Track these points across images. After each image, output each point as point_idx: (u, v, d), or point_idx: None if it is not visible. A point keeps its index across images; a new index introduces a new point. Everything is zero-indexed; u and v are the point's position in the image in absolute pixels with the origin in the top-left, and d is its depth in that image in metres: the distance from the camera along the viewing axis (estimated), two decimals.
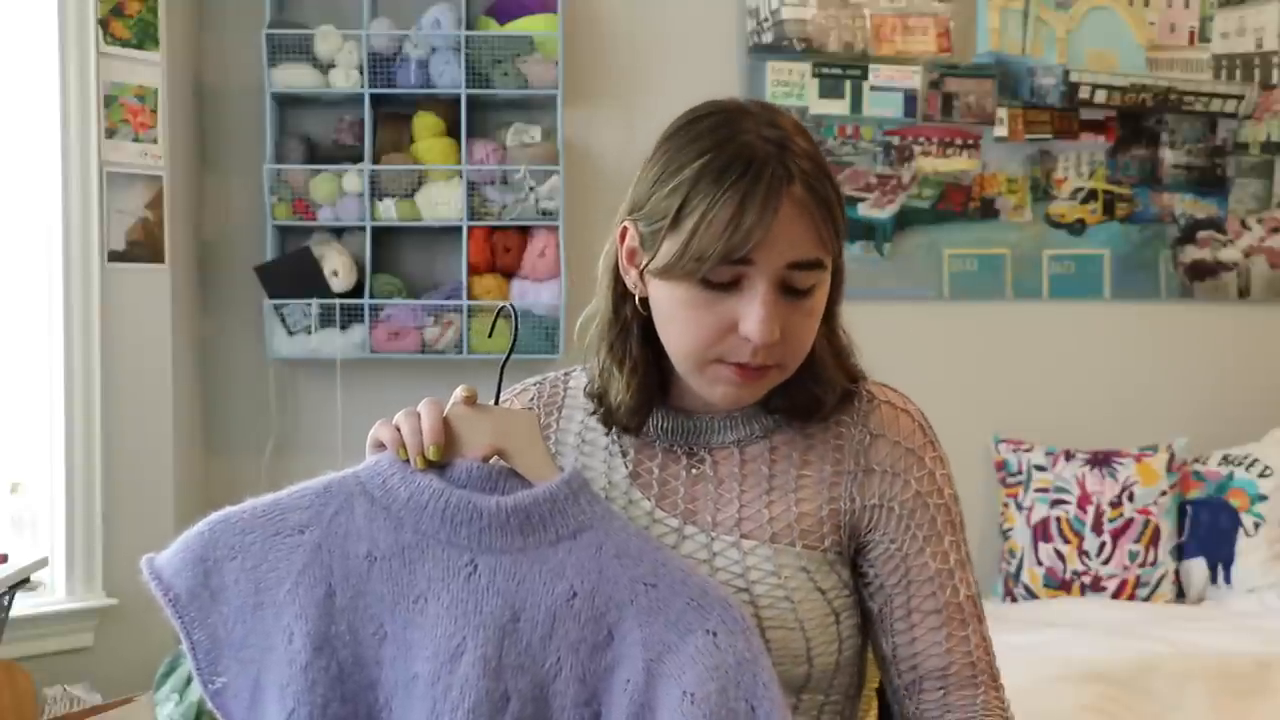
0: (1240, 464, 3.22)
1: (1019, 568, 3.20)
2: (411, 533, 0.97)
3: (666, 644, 0.93)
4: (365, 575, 0.96)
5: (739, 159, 1.00)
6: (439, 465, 1.01)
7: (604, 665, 0.94)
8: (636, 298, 1.08)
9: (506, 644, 0.94)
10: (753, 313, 1.00)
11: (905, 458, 1.10)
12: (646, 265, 1.04)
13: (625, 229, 1.08)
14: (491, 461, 1.01)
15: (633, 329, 1.09)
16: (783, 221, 0.99)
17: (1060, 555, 3.17)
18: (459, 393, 1.03)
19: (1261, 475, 3.18)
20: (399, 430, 1.02)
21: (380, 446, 1.04)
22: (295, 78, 3.16)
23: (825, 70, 3.40)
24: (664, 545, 0.98)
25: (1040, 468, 3.24)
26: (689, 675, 0.92)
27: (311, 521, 0.97)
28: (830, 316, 1.11)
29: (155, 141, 2.96)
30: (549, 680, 0.93)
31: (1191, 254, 3.50)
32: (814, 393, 1.09)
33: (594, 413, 1.13)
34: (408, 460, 1.00)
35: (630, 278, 1.08)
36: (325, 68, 3.18)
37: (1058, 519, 3.19)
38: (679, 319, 1.03)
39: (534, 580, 0.95)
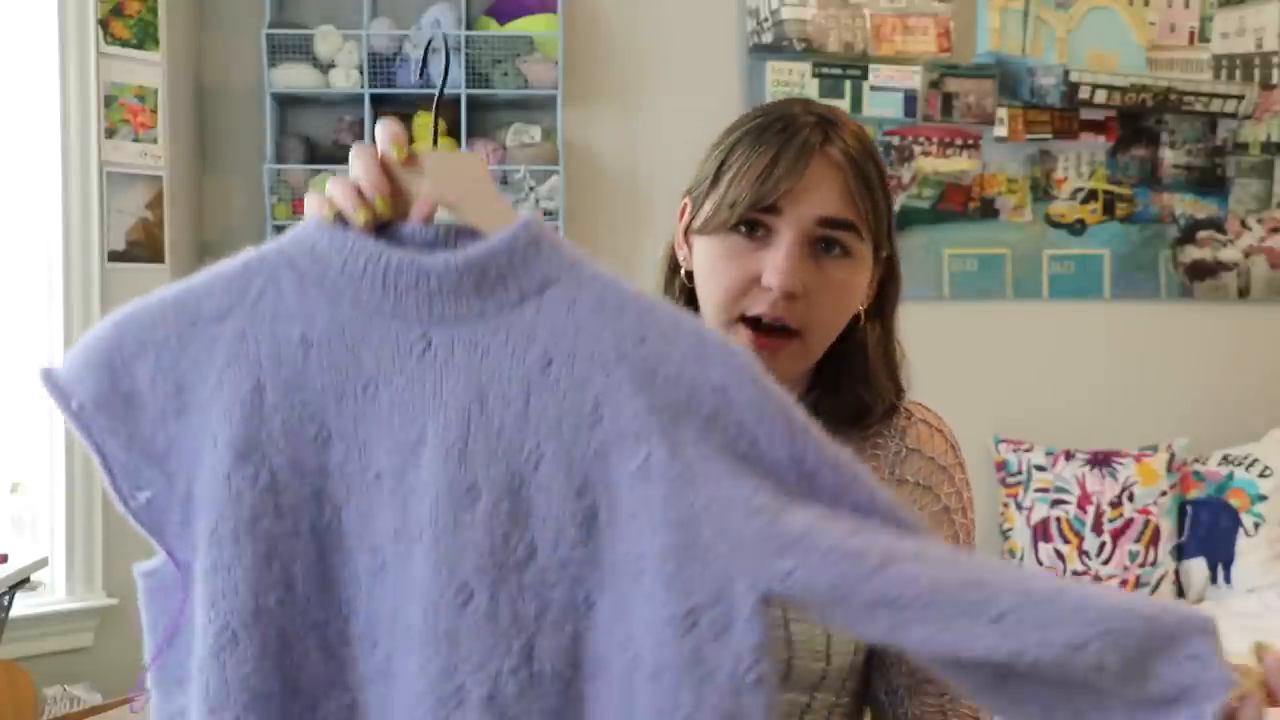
0: (1240, 464, 3.23)
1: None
2: (351, 307, 0.80)
3: (674, 406, 0.77)
4: (300, 365, 0.79)
5: (779, 121, 1.06)
6: (381, 225, 0.84)
7: (594, 447, 0.77)
8: (683, 270, 1.12)
9: (473, 428, 0.78)
10: (776, 259, 1.02)
11: (937, 474, 1.12)
12: (690, 227, 1.10)
13: (683, 206, 1.13)
14: (437, 218, 0.86)
15: (679, 302, 1.12)
16: (814, 174, 1.03)
17: (1060, 555, 3.17)
18: (383, 137, 0.86)
19: (1261, 475, 3.18)
20: (330, 193, 0.85)
21: None
22: (295, 78, 3.16)
23: (825, 70, 3.40)
24: (646, 293, 0.81)
25: (1040, 468, 3.24)
26: (709, 440, 0.76)
27: (232, 306, 0.81)
28: (888, 322, 1.14)
29: (155, 141, 2.96)
30: (528, 470, 0.77)
31: (1191, 254, 3.50)
32: (864, 399, 1.11)
33: None
34: (342, 225, 0.83)
35: (682, 252, 1.13)
36: (325, 68, 3.19)
37: (1058, 519, 3.19)
38: (712, 272, 1.06)
39: (499, 350, 0.79)
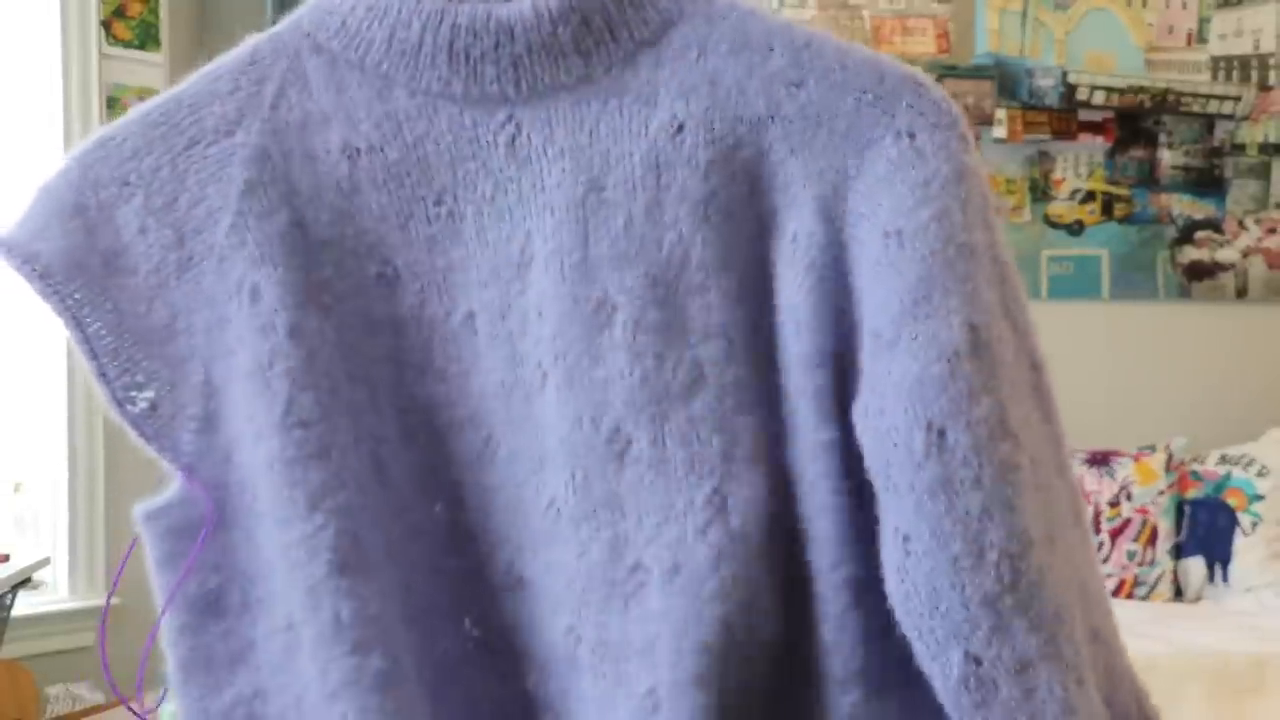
0: (1238, 464, 3.24)
1: None
2: (406, 94, 0.60)
3: (841, 167, 0.59)
4: (347, 183, 0.59)
5: None
6: None
7: (753, 227, 0.59)
8: None
9: (592, 227, 0.58)
10: None
11: None
12: None
13: None
14: None
15: None
16: None
17: None
18: None
19: (1259, 475, 3.19)
20: None
21: None
22: None
23: None
24: (798, 24, 0.62)
25: None
26: (886, 205, 0.58)
27: (243, 113, 0.60)
28: None
29: None
30: (673, 270, 0.58)
31: (1189, 254, 3.51)
32: None
33: None
34: None
35: None
36: None
37: None
38: None
39: (613, 123, 0.59)
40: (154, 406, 0.59)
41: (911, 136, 0.59)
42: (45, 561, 2.65)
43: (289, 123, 0.60)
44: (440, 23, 0.59)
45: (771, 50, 0.60)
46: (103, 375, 0.59)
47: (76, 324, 0.59)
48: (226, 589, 0.58)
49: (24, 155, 2.84)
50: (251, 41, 0.62)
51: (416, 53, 0.59)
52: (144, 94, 2.94)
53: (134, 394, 0.59)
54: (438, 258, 0.60)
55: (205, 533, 0.58)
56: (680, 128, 0.59)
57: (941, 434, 0.55)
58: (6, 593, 2.43)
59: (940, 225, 0.57)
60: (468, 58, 0.59)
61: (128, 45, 2.91)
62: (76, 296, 0.58)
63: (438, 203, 0.60)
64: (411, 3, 0.60)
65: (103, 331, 0.59)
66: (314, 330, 0.58)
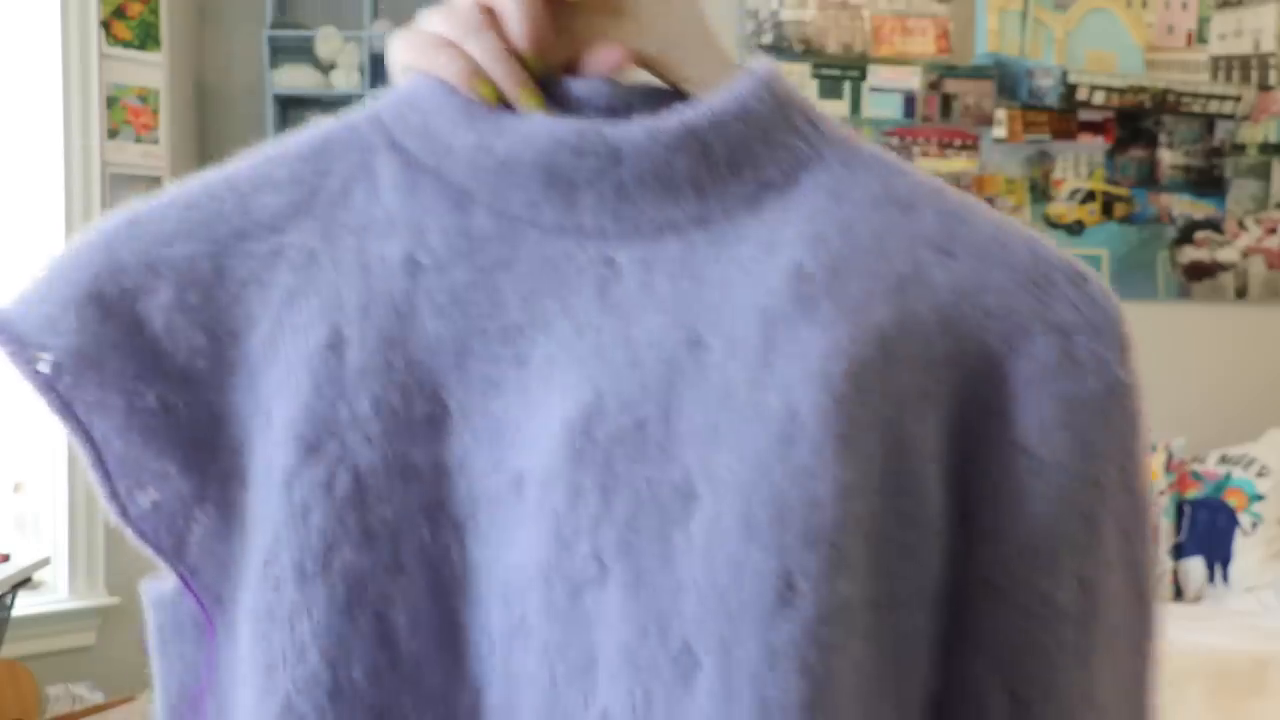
0: (1238, 464, 3.24)
1: None
2: (488, 214, 0.50)
3: (985, 353, 0.50)
4: (404, 304, 0.50)
5: None
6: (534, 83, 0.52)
7: (879, 403, 0.48)
8: None
9: (681, 390, 0.48)
10: None
11: None
12: None
13: None
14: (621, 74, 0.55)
15: None
16: None
17: None
18: None
19: (1259, 475, 3.19)
20: (448, 38, 0.53)
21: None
22: (297, 79, 3.17)
23: (824, 71, 3.41)
24: (949, 185, 0.54)
25: None
26: (1024, 414, 0.50)
27: (298, 208, 0.51)
28: None
29: (157, 143, 2.97)
30: (775, 450, 0.47)
31: (1189, 254, 3.52)
32: None
33: None
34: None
35: None
36: (327, 69, 3.19)
37: None
38: None
39: (725, 271, 0.50)
40: (156, 509, 0.52)
41: (1066, 336, 0.50)
42: (45, 561, 2.65)
43: (347, 226, 0.51)
44: (539, 135, 0.50)
45: (918, 210, 0.51)
46: (105, 477, 0.51)
47: (82, 429, 0.51)
48: (204, 698, 0.53)
49: (25, 156, 2.84)
50: (323, 126, 0.54)
51: (506, 167, 0.50)
52: (144, 94, 2.94)
53: (135, 494, 0.52)
54: (493, 403, 0.49)
55: (212, 646, 0.52)
56: (803, 276, 0.49)
57: (1026, 706, 0.50)
58: (7, 593, 2.43)
59: (1075, 458, 0.50)
60: (565, 180, 0.50)
61: (127, 45, 2.92)
62: (88, 397, 0.50)
63: (504, 341, 0.49)
64: (508, 113, 0.51)
65: (110, 434, 0.50)
66: (320, 479, 0.49)
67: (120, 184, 2.91)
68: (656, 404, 0.48)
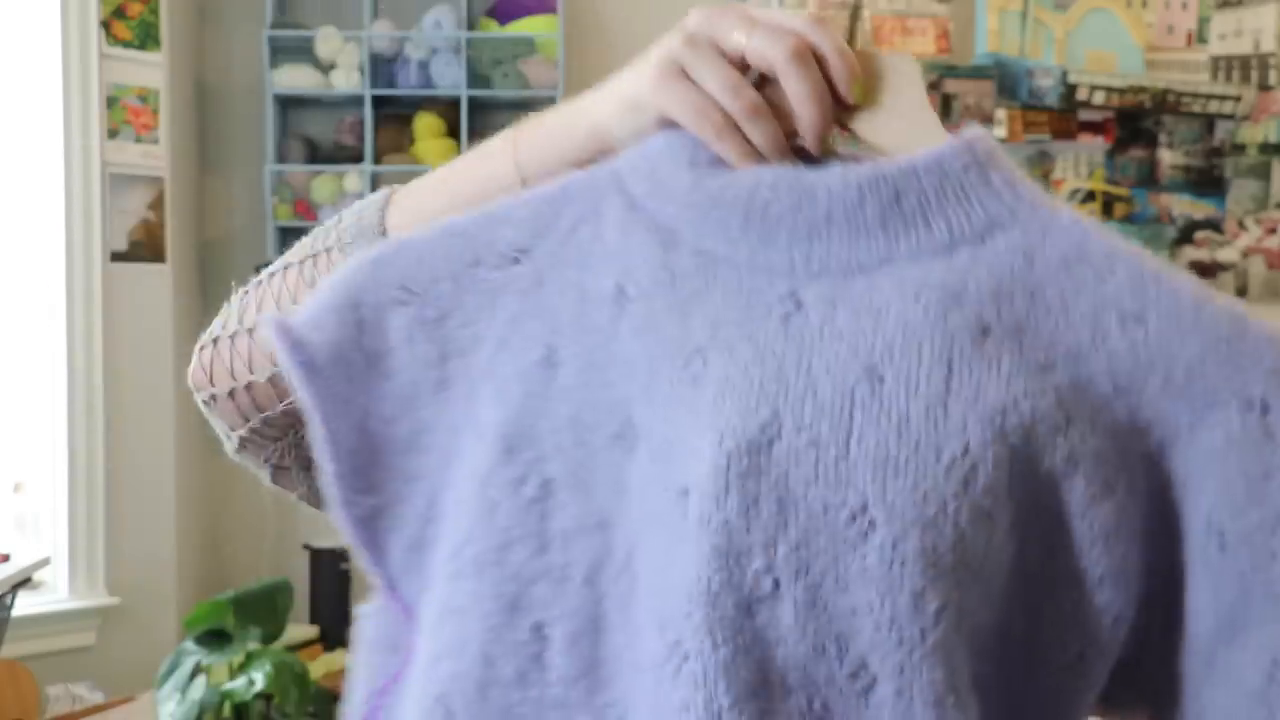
0: None
1: None
2: (690, 251, 0.54)
3: (1173, 423, 0.50)
4: (609, 328, 0.54)
5: None
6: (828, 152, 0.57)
7: (1053, 463, 0.49)
8: None
9: (859, 420, 0.49)
10: None
11: None
12: None
13: None
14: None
15: None
16: None
17: None
18: (827, 33, 0.57)
19: None
20: (727, 113, 0.56)
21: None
22: (296, 79, 3.17)
23: None
24: (1148, 253, 0.54)
25: None
26: (1213, 488, 0.50)
27: (534, 241, 0.56)
28: None
29: (157, 142, 2.97)
30: (951, 486, 0.48)
31: (1189, 255, 3.51)
32: None
33: None
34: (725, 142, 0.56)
35: None
36: (326, 69, 3.19)
37: None
38: None
39: (907, 308, 0.51)
40: (375, 515, 0.56)
41: (1265, 410, 0.49)
42: (45, 561, 2.65)
43: (572, 259, 0.56)
44: (745, 177, 0.54)
45: (1113, 273, 0.51)
46: (339, 471, 0.56)
47: (325, 418, 0.56)
48: (381, 708, 0.57)
49: (25, 156, 2.84)
50: (567, 176, 0.59)
51: (713, 205, 0.54)
52: (143, 94, 2.94)
53: (358, 497, 0.56)
54: (669, 421, 0.51)
55: (407, 659, 0.55)
56: (986, 330, 0.50)
57: None
58: (7, 593, 2.43)
59: (1268, 537, 0.49)
60: (764, 217, 0.53)
61: (128, 45, 2.91)
62: (332, 390, 0.55)
63: (685, 363, 0.52)
64: (732, 172, 0.55)
65: (346, 431, 0.56)
66: (512, 479, 0.53)
67: (120, 184, 2.91)
68: (833, 429, 0.49)
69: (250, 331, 0.67)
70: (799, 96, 0.55)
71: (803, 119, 0.55)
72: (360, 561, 0.56)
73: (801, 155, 0.57)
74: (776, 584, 0.48)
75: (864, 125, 0.57)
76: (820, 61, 0.55)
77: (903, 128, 0.57)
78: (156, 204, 2.98)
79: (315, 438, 0.56)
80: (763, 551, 0.48)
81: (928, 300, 0.51)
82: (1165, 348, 0.50)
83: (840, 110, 0.56)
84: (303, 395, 0.56)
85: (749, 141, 0.55)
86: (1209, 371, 0.50)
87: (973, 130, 0.56)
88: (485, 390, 0.54)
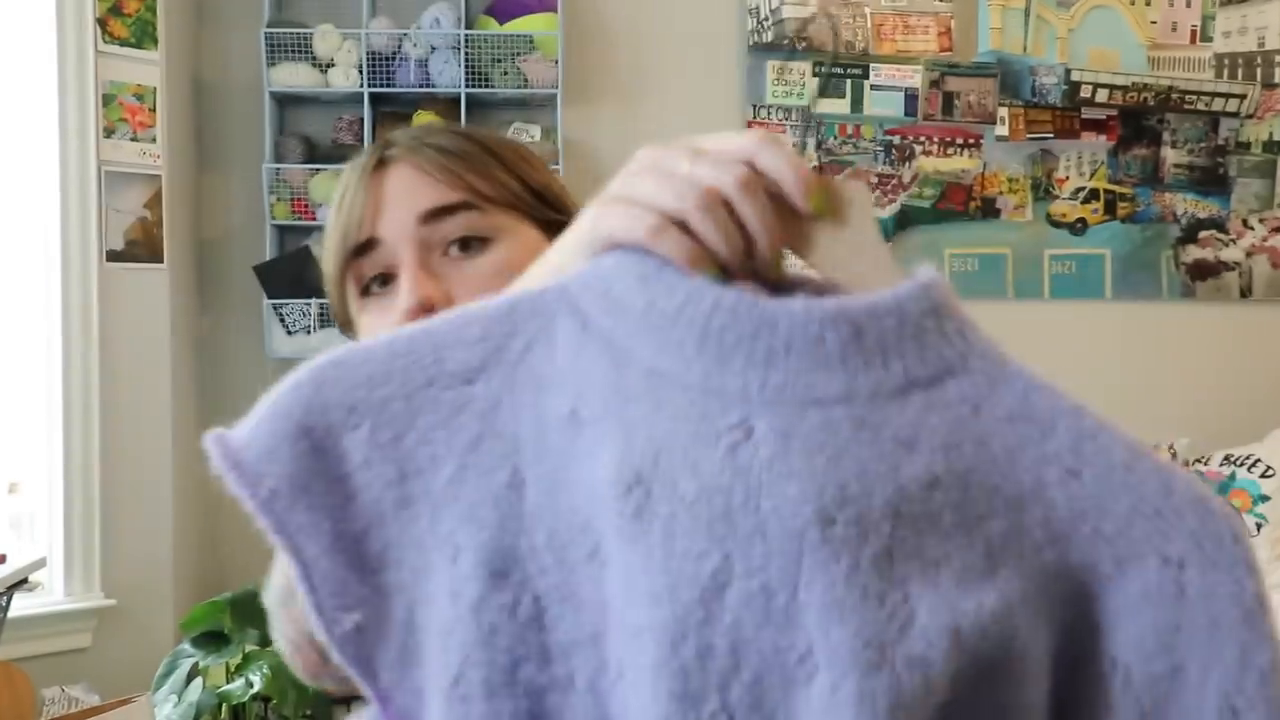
0: (1242, 464, 3.22)
1: None
2: (641, 372, 0.55)
3: (1093, 574, 0.54)
4: (568, 449, 0.55)
5: (345, 173, 0.96)
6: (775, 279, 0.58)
7: (985, 612, 0.52)
8: None
9: (808, 565, 0.51)
10: (401, 283, 0.89)
11: None
12: (345, 319, 0.97)
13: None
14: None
15: None
16: (389, 187, 0.91)
17: None
18: (792, 168, 0.57)
19: (1264, 476, 3.17)
20: (670, 216, 0.57)
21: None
22: (294, 77, 3.15)
23: (825, 69, 3.40)
24: (1088, 407, 0.57)
25: None
26: (1124, 633, 0.54)
27: (486, 363, 0.57)
28: None
29: (154, 141, 2.95)
30: (893, 633, 0.51)
31: (1193, 254, 3.50)
32: None
33: None
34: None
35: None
36: (324, 67, 3.18)
37: None
38: None
39: (861, 454, 0.52)
40: (359, 630, 0.56)
41: (1180, 568, 0.53)
42: (41, 563, 2.64)
43: (527, 381, 0.57)
44: (704, 296, 0.54)
45: (1054, 430, 0.55)
46: (315, 596, 0.56)
47: (295, 549, 0.56)
48: None
49: (21, 154, 2.83)
50: (516, 295, 0.59)
51: (668, 325, 0.54)
52: (140, 92, 2.92)
53: (343, 614, 0.57)
54: (621, 554, 0.52)
55: None
56: (934, 482, 0.53)
57: None
58: (2, 594, 2.41)
59: (1169, 683, 0.53)
60: (720, 340, 0.53)
61: (124, 43, 2.90)
62: (298, 519, 0.56)
63: (627, 492, 0.53)
64: (683, 279, 0.55)
65: (317, 554, 0.56)
66: (507, 603, 0.54)
67: (116, 182, 2.89)
68: (782, 573, 0.51)
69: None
70: (748, 218, 0.55)
71: (755, 240, 0.55)
72: (354, 680, 0.57)
73: (756, 280, 0.57)
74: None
75: (817, 254, 0.57)
76: (772, 182, 0.55)
77: (857, 259, 0.57)
78: (153, 203, 2.97)
79: (288, 566, 0.57)
80: (717, 694, 0.50)
81: (881, 446, 0.53)
82: (1098, 502, 0.54)
83: (793, 236, 0.57)
84: (267, 527, 0.56)
85: (695, 242, 0.55)
86: (1134, 528, 0.53)
87: (927, 273, 0.56)
88: (451, 512, 0.56)
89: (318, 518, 0.56)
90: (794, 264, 0.58)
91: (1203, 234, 3.50)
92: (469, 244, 0.91)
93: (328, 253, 0.94)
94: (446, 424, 0.56)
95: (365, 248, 0.91)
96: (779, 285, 0.57)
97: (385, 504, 0.56)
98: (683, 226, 0.56)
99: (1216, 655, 0.53)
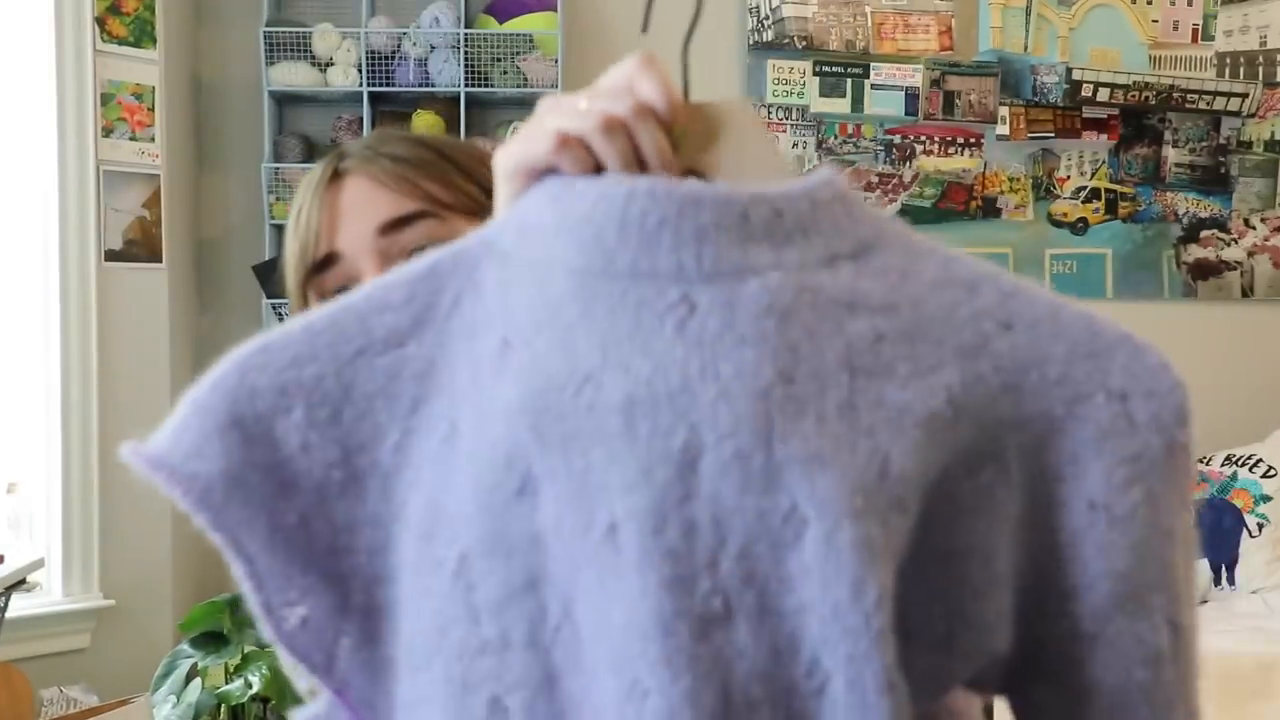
0: (1244, 464, 3.21)
1: None
2: (564, 275, 0.53)
3: (1049, 416, 0.54)
4: (494, 382, 0.53)
5: (300, 190, 0.95)
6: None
7: (949, 458, 0.52)
8: None
9: (779, 423, 0.49)
10: None
11: None
12: None
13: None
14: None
15: None
16: (344, 200, 0.90)
17: None
18: (654, 80, 0.60)
19: (1265, 476, 3.17)
20: (574, 135, 0.57)
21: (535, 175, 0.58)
22: (293, 76, 3.15)
23: (826, 68, 3.39)
24: (1004, 271, 0.58)
25: None
26: (1093, 474, 0.54)
27: (416, 324, 0.55)
28: None
29: (152, 140, 2.95)
30: (870, 478, 0.50)
31: (1195, 253, 3.49)
32: None
33: None
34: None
35: None
36: (323, 66, 3.17)
37: None
38: None
39: (805, 316, 0.52)
40: (305, 622, 0.54)
41: (1124, 399, 0.55)
42: (39, 563, 2.63)
43: (460, 332, 0.55)
44: (616, 189, 0.53)
45: (980, 290, 0.56)
46: (260, 592, 0.54)
47: (234, 544, 0.54)
48: None
49: (19, 153, 2.82)
50: (435, 254, 0.57)
51: (583, 225, 0.53)
52: (139, 91, 2.92)
53: (289, 608, 0.54)
54: (575, 458, 0.50)
55: None
56: (880, 338, 0.53)
57: None
58: (1, 594, 2.41)
59: (1149, 510, 0.54)
60: (642, 225, 0.52)
61: (122, 42, 2.89)
62: (235, 515, 0.53)
63: (577, 392, 0.50)
64: (592, 183, 0.54)
65: (258, 550, 0.54)
66: (432, 560, 0.52)
67: (115, 181, 2.88)
68: (755, 435, 0.49)
69: None
70: (642, 140, 0.56)
71: (649, 161, 0.56)
72: (302, 674, 0.55)
73: None
74: (726, 601, 0.49)
75: (718, 173, 0.58)
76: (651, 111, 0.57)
77: (755, 170, 0.58)
78: (152, 202, 2.96)
79: (229, 563, 0.54)
80: (708, 573, 0.49)
81: (822, 307, 0.53)
82: (1037, 350, 0.54)
83: (692, 158, 0.58)
84: (204, 526, 0.54)
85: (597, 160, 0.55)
86: (1075, 369, 0.54)
87: (828, 170, 0.57)
88: (403, 478, 0.54)
89: (254, 512, 0.53)
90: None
91: (1204, 233, 3.50)
92: (424, 250, 0.90)
93: (288, 269, 0.93)
94: (385, 391, 0.54)
95: (326, 263, 0.90)
96: None
97: (330, 487, 0.54)
98: (585, 148, 0.56)
99: (1175, 482, 0.55)
